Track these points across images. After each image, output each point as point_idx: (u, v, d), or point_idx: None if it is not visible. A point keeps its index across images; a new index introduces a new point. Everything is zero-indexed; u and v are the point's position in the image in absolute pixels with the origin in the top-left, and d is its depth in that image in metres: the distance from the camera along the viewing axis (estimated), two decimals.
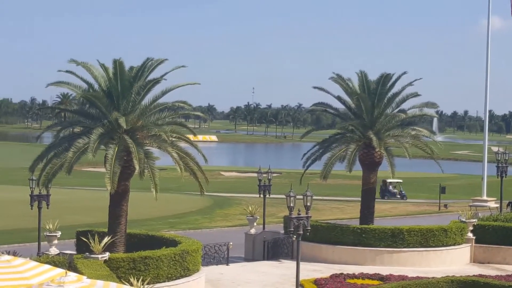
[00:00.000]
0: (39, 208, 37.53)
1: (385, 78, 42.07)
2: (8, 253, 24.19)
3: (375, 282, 33.70)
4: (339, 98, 43.48)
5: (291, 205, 29.66)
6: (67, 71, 32.58)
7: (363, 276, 34.94)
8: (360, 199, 43.61)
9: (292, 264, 35.29)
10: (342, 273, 35.43)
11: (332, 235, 40.38)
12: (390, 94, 42.59)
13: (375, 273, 35.30)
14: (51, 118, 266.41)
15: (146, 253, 30.02)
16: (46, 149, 32.88)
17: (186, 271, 31.10)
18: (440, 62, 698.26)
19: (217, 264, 38.34)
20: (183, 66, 33.70)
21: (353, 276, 34.89)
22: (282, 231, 41.99)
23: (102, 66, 32.48)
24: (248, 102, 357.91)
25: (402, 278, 34.06)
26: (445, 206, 70.12)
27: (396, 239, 39.69)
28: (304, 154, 43.37)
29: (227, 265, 38.66)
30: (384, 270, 36.27)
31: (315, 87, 43.54)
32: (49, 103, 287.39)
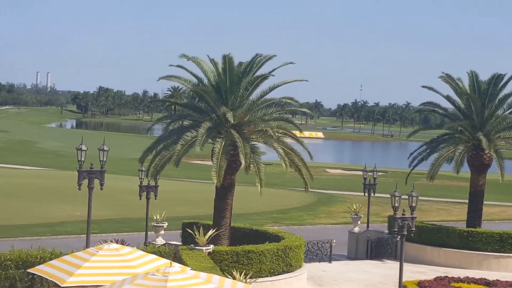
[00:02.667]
0: (148, 198, 38.36)
1: (496, 78, 41.01)
2: (117, 241, 24.86)
3: (481, 287, 32.94)
4: (448, 98, 42.65)
5: (396, 205, 29.34)
6: (178, 66, 33.19)
7: (468, 280, 34.19)
8: (467, 201, 42.73)
9: (395, 264, 34.88)
10: (446, 276, 34.81)
11: (437, 237, 39.75)
12: (501, 95, 41.51)
13: (481, 278, 34.48)
14: (161, 111, 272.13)
15: (249, 247, 30.24)
16: (155, 141, 33.60)
17: (288, 267, 31.17)
18: None
19: (319, 261, 38.31)
20: (291, 63, 33.77)
21: (458, 280, 34.20)
22: (386, 231, 41.58)
23: (212, 61, 32.90)
24: (355, 100, 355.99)
25: (510, 284, 33.18)
26: None
27: (504, 243, 38.67)
28: (411, 154, 42.78)
29: (329, 262, 38.59)
30: (490, 275, 35.36)
31: (424, 86, 42.93)
32: (160, 96, 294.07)
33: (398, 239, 34.77)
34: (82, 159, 28.82)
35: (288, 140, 33.82)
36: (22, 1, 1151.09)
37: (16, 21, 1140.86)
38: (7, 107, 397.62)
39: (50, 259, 23.31)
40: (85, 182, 28.97)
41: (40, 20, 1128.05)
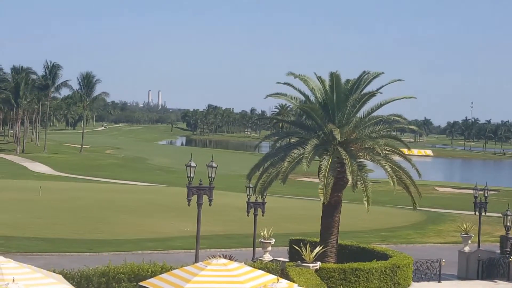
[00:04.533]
0: (255, 215, 38.65)
1: None
2: (225, 257, 25.20)
3: None
4: None
5: (508, 224, 28.73)
6: (285, 83, 33.50)
7: None
8: None
9: (507, 285, 33.98)
10: None
11: None
12: None
13: None
14: (269, 128, 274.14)
15: (356, 265, 30.12)
16: (263, 158, 33.93)
17: (396, 286, 30.85)
18: None
19: (428, 281, 37.64)
20: (399, 80, 33.58)
21: None
22: (498, 251, 40.44)
23: (319, 78, 33.05)
24: (466, 117, 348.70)
25: None
26: None
27: None
28: None
29: (439, 282, 37.86)
30: None
31: None
32: (268, 113, 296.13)
33: (510, 259, 33.85)
34: (192, 175, 29.36)
35: (396, 158, 33.55)
36: (135, 24, 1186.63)
37: (129, 42, 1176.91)
38: (120, 124, 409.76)
39: (161, 273, 23.88)
40: (194, 198, 29.51)
41: (152, 41, 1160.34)
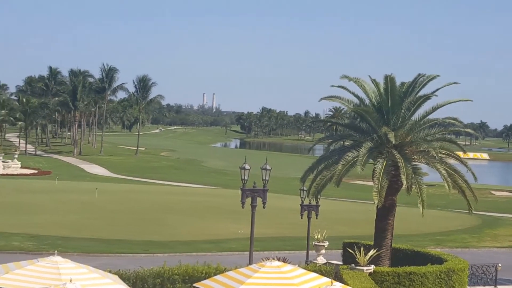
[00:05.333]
0: (309, 217, 38.71)
1: None
2: (279, 259, 25.30)
3: None
4: None
5: None
6: (339, 86, 33.46)
7: None
8: None
9: None
10: None
11: None
12: None
13: None
14: (323, 131, 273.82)
15: (411, 269, 29.93)
16: (317, 161, 33.92)
17: None
18: None
19: (484, 285, 37.25)
20: (455, 83, 33.22)
21: None
22: None
23: (373, 81, 32.92)
24: None
25: None
26: None
27: None
28: None
29: (495, 287, 37.45)
30: None
31: None
32: (322, 116, 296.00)
33: None
34: (246, 177, 29.52)
35: (451, 161, 33.22)
36: (191, 27, 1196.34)
37: (184, 45, 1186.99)
38: (175, 127, 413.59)
39: (215, 274, 24.09)
40: (248, 200, 29.65)
41: (206, 44, 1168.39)
